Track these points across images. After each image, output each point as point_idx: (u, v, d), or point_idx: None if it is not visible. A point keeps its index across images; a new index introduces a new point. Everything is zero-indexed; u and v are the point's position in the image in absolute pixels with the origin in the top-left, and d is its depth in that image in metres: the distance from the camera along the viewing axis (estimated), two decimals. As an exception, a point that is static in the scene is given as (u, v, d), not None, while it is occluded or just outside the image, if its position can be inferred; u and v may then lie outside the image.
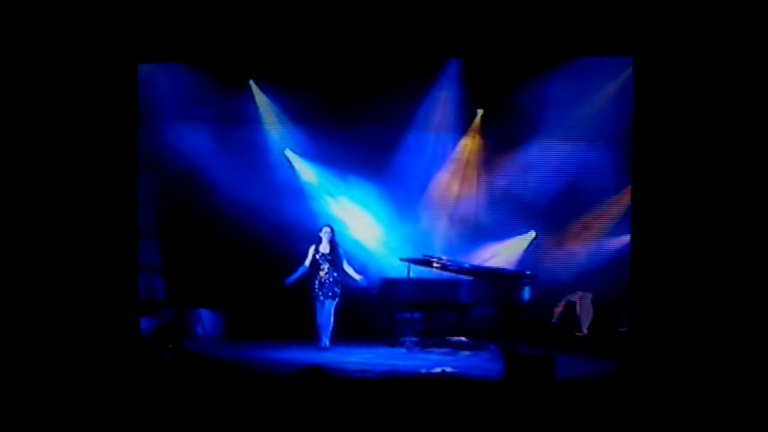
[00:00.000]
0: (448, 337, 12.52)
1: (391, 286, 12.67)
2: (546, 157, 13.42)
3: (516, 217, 13.52)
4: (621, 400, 8.21)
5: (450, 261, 12.67)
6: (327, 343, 12.46)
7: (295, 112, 13.63)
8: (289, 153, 13.94)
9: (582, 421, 7.58)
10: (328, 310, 12.60)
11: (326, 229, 12.86)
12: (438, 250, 13.13)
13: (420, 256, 12.63)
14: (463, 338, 12.48)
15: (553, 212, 13.45)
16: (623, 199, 12.82)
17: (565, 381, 9.27)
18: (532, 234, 13.49)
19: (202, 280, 13.10)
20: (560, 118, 13.21)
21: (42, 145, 9.43)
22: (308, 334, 12.50)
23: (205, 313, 13.08)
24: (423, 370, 10.61)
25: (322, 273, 12.66)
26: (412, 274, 12.52)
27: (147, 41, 9.66)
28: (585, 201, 13.38)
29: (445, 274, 12.65)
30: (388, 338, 12.54)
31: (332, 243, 12.80)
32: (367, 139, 13.35)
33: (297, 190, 13.97)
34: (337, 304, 12.61)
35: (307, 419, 7.00)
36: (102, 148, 9.55)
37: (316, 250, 12.74)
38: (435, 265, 12.55)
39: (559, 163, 13.35)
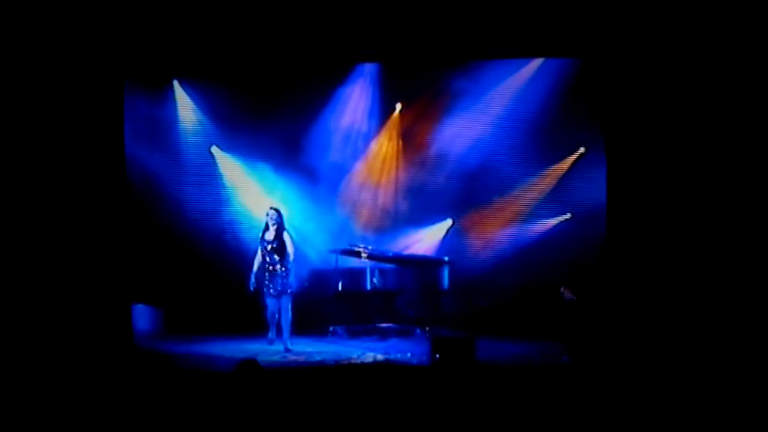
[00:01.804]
0: (376, 324, 13.05)
1: (319, 277, 13.04)
2: (459, 145, 13.71)
3: (433, 205, 13.86)
4: (551, 382, 8.73)
5: (374, 250, 13.15)
6: (273, 336, 12.03)
7: (217, 110, 13.75)
8: (215, 149, 13.97)
9: (505, 401, 8.12)
10: (284, 306, 11.84)
11: (270, 213, 12.06)
12: (360, 240, 13.47)
13: (346, 247, 13.12)
14: (391, 324, 13.04)
15: (467, 198, 13.83)
16: (541, 183, 13.61)
17: (489, 363, 9.96)
18: (448, 222, 13.92)
19: (139, 276, 12.65)
20: (472, 107, 13.62)
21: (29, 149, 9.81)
22: (255, 327, 12.42)
23: (143, 309, 12.89)
24: (355, 358, 11.14)
25: (268, 265, 11.90)
26: (339, 265, 12.97)
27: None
28: (498, 185, 13.75)
29: (370, 263, 13.09)
30: (319, 327, 12.91)
31: (278, 228, 11.98)
32: (283, 135, 13.61)
33: (222, 185, 14.04)
34: (292, 298, 11.90)
35: (243, 412, 7.22)
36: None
37: (262, 238, 12.03)
38: (361, 255, 12.99)
39: (471, 150, 13.66)
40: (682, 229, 9.77)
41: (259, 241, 12.08)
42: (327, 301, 13.11)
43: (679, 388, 8.44)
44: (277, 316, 11.98)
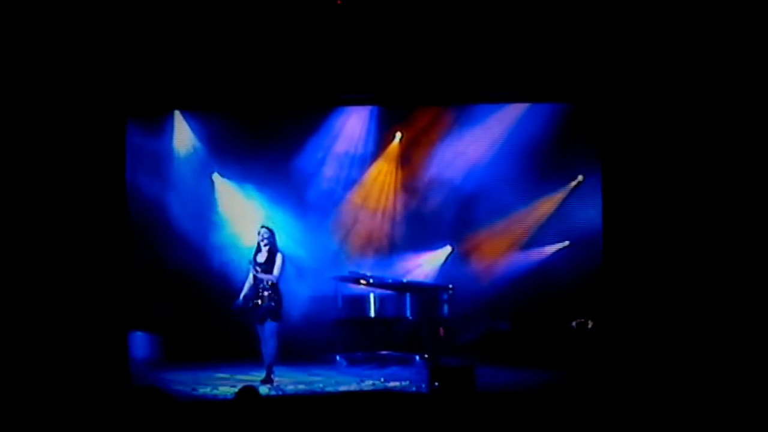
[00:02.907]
0: (376, 352, 13.13)
1: (319, 304, 13.21)
2: (456, 171, 13.84)
3: (431, 231, 13.95)
4: (552, 409, 9.03)
5: (375, 277, 13.25)
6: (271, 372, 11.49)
7: (216, 138, 13.68)
8: (216, 177, 13.91)
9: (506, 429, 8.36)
10: (269, 333, 11.46)
11: (261, 232, 11.71)
12: (358, 266, 13.57)
13: (346, 274, 13.27)
14: (390, 351, 13.12)
15: (465, 224, 13.91)
16: (539, 210, 13.74)
17: (489, 391, 10.08)
18: (448, 248, 13.98)
19: (137, 304, 12.39)
20: (470, 133, 13.75)
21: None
22: (252, 355, 12.15)
23: (141, 337, 12.57)
24: (354, 386, 11.25)
25: (258, 288, 11.50)
26: (339, 291, 13.11)
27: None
28: (496, 211, 13.75)
29: (371, 290, 13.17)
30: (318, 355, 13.00)
31: (271, 249, 11.60)
32: (278, 161, 13.67)
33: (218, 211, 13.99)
34: (278, 325, 11.55)
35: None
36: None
37: (254, 260, 11.63)
38: (361, 282, 13.13)
39: (469, 175, 13.78)
40: (679, 257, 9.93)
41: (250, 263, 11.70)
42: (326, 328, 13.18)
43: (680, 414, 8.69)
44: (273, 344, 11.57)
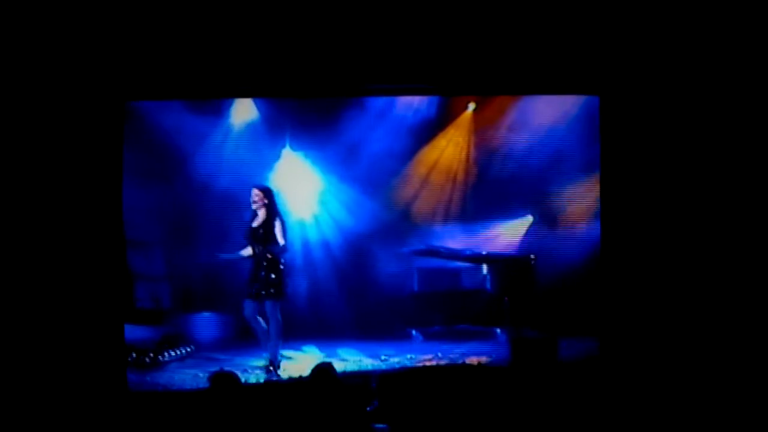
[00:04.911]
0: (453, 326, 12.92)
1: (393, 278, 13.06)
2: (531, 134, 13.40)
3: (509, 201, 13.49)
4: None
5: (452, 249, 13.09)
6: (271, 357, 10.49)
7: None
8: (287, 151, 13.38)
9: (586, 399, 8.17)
10: (269, 313, 10.45)
11: (254, 193, 10.60)
12: (431, 238, 13.33)
13: (423, 247, 13.08)
14: (469, 325, 12.90)
15: (546, 190, 13.43)
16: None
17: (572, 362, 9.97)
18: (528, 218, 13.62)
19: (207, 284, 12.70)
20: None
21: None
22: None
23: (211, 318, 12.67)
24: (433, 361, 11.10)
25: (254, 259, 10.48)
26: (414, 265, 13.00)
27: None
28: (580, 172, 13.14)
29: (448, 263, 13.06)
30: (393, 330, 12.78)
31: (268, 213, 10.52)
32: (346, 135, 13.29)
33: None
34: (279, 303, 10.54)
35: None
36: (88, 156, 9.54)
37: (249, 228, 10.61)
38: (438, 254, 12.96)
39: (545, 137, 13.31)
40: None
41: (246, 233, 10.69)
42: (401, 303, 13.03)
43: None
44: (260, 322, 10.59)
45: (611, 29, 9.58)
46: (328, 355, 11.28)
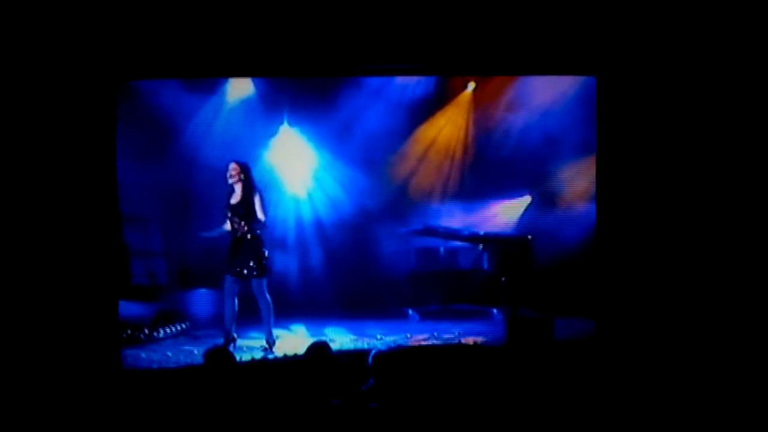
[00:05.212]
0: (450, 306, 12.91)
1: (390, 257, 13.12)
2: (529, 113, 13.33)
3: (507, 180, 13.46)
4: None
5: (449, 229, 13.11)
6: (234, 333, 10.49)
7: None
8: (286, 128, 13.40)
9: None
10: (257, 292, 10.36)
11: (231, 167, 10.42)
12: (431, 217, 13.35)
13: (420, 227, 13.08)
14: (466, 305, 12.88)
15: (544, 169, 13.44)
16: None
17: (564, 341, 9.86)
18: (527, 198, 13.63)
19: (203, 261, 12.42)
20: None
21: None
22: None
23: (207, 294, 12.46)
24: (429, 340, 11.07)
25: (233, 236, 10.32)
26: (411, 244, 13.04)
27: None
28: (578, 152, 13.01)
29: (445, 242, 13.09)
30: (388, 309, 12.79)
31: (245, 188, 10.36)
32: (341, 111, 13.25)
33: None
34: (264, 281, 10.41)
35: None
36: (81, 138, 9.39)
37: (227, 204, 10.46)
38: (436, 234, 12.98)
39: (543, 117, 13.23)
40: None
41: (224, 209, 10.51)
42: (398, 282, 13.03)
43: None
44: (233, 304, 10.44)
45: (608, 10, 9.48)
46: (316, 335, 11.27)
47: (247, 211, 10.30)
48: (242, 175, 10.41)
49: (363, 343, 10.92)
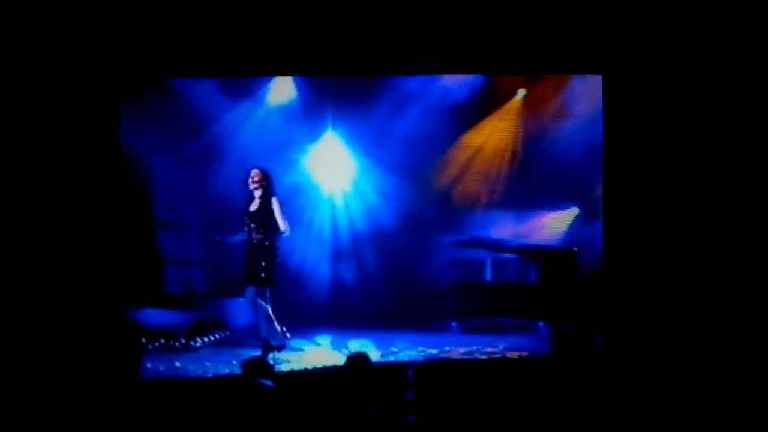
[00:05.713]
0: (494, 318, 12.78)
1: (435, 267, 12.94)
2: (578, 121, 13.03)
3: (556, 192, 13.27)
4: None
5: (496, 240, 13.01)
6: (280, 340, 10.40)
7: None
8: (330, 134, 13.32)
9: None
10: (249, 299, 10.28)
11: (254, 173, 10.39)
12: (475, 228, 13.23)
13: (466, 237, 13.01)
14: (510, 318, 12.73)
15: (589, 180, 12.83)
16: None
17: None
18: (574, 210, 13.48)
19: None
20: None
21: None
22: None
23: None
24: (474, 353, 10.92)
25: (248, 243, 10.28)
26: (456, 255, 12.93)
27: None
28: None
29: (491, 253, 12.99)
30: (431, 321, 12.65)
31: (264, 195, 10.30)
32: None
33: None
34: (268, 291, 10.33)
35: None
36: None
37: (245, 211, 10.40)
38: (482, 245, 12.92)
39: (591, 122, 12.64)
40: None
41: (242, 216, 10.42)
42: (441, 294, 12.86)
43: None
44: (261, 305, 10.39)
45: (613, 8, 9.26)
46: (346, 346, 11.21)
47: (265, 220, 10.23)
48: (264, 183, 10.35)
49: (403, 356, 10.78)
